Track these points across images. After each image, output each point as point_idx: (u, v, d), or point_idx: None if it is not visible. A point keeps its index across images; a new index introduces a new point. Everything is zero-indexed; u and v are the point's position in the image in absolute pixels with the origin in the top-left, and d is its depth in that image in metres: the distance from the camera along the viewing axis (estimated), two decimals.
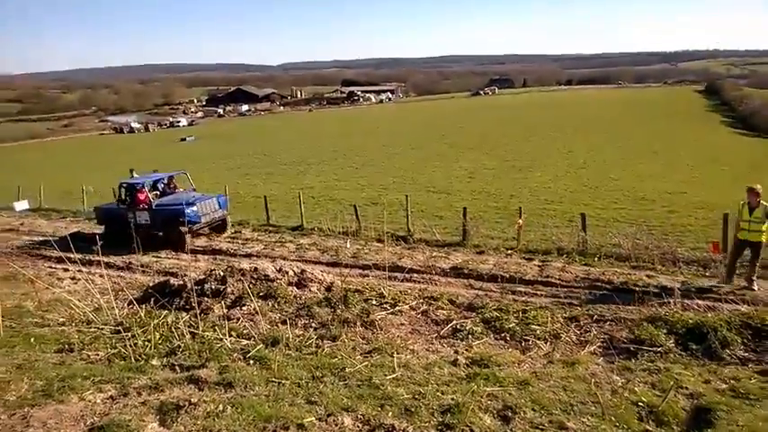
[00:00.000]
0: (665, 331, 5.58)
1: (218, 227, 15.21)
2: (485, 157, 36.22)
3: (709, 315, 5.73)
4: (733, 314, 5.68)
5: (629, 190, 23.39)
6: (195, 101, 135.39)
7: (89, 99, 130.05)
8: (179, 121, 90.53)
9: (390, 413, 3.69)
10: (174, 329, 5.57)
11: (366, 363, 4.66)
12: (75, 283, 9.67)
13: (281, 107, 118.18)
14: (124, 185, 15.03)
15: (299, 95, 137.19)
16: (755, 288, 9.44)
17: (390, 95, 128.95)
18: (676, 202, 20.59)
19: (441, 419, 3.61)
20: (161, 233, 13.96)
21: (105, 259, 10.26)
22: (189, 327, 5.61)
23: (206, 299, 7.49)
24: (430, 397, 3.92)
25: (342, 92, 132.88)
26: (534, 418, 3.61)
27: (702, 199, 20.64)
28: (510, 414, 3.68)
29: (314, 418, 3.60)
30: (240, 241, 16.09)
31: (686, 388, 4.14)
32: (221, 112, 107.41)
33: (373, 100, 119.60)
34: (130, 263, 12.47)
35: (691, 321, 5.58)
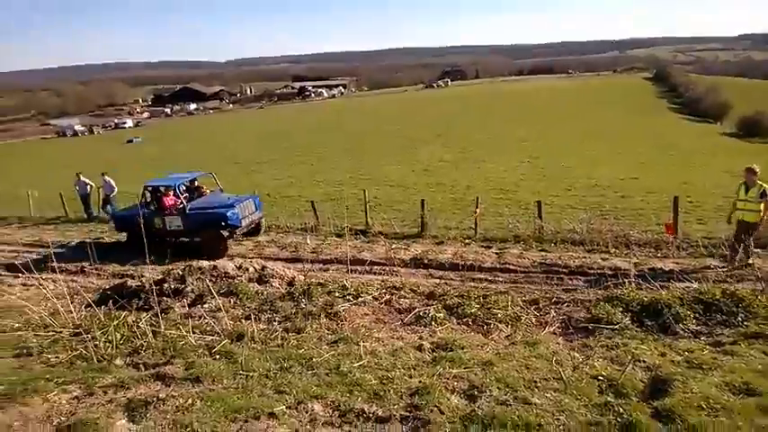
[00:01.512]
0: (621, 309, 5.81)
1: (253, 230, 14.08)
2: (440, 150, 36.61)
3: (663, 293, 5.99)
4: (686, 291, 5.96)
5: (583, 177, 24.11)
6: (141, 101, 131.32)
7: (28, 102, 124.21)
8: (124, 123, 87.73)
9: (360, 398, 3.74)
10: (135, 329, 5.45)
11: (333, 352, 4.69)
12: (27, 290, 9.33)
13: (231, 105, 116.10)
14: (149, 188, 13.72)
15: (248, 92, 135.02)
16: (751, 262, 9.80)
17: (342, 90, 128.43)
18: (628, 187, 21.37)
19: (409, 401, 3.69)
20: (197, 239, 12.91)
21: (57, 264, 9.91)
22: (151, 326, 5.50)
23: (165, 298, 7.36)
24: (397, 381, 4.00)
25: (293, 88, 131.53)
26: (500, 395, 3.73)
27: (653, 183, 21.48)
28: (476, 393, 3.78)
29: (284, 407, 3.61)
30: None
31: (643, 361, 4.34)
32: (168, 112, 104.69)
33: (325, 95, 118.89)
34: (83, 267, 12.09)
35: (645, 299, 5.82)
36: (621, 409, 3.46)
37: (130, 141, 59.83)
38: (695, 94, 69.56)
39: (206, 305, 7.08)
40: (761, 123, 49.04)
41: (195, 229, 12.76)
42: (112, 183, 18.11)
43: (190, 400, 3.69)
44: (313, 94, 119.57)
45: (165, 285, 7.72)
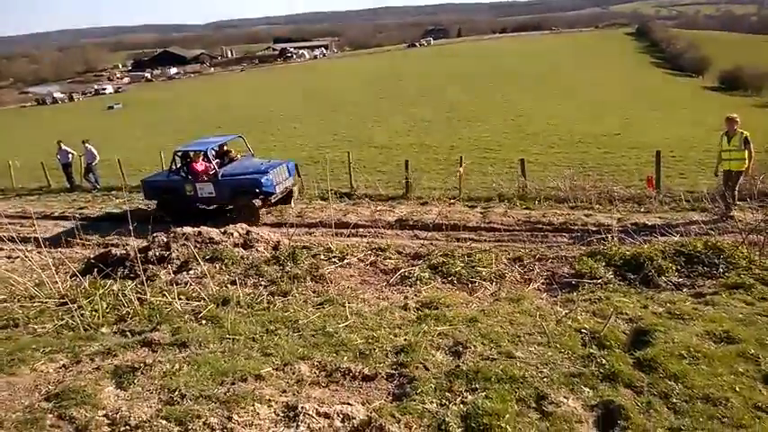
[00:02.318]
0: (603, 264, 5.88)
1: (285, 197, 13.20)
2: (424, 111, 36.26)
3: (646, 246, 6.06)
4: (668, 244, 6.03)
5: (566, 134, 24.10)
6: (120, 66, 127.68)
7: (6, 70, 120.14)
8: (104, 89, 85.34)
9: (346, 357, 3.77)
10: (121, 297, 5.42)
11: (319, 314, 4.71)
12: (12, 262, 9.23)
13: (212, 68, 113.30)
14: (179, 153, 13.05)
15: (229, 55, 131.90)
16: (733, 214, 9.93)
17: (324, 51, 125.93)
18: (611, 143, 21.42)
19: (395, 359, 3.73)
20: (230, 206, 12.46)
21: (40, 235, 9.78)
22: (136, 293, 5.48)
23: (151, 266, 7.31)
24: (383, 340, 4.03)
25: (274, 49, 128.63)
26: (484, 350, 3.78)
27: (635, 139, 21.55)
28: (461, 349, 3.83)
29: (271, 369, 3.64)
30: None
31: (625, 314, 4.41)
32: (149, 77, 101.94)
33: (307, 56, 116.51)
34: (68, 238, 11.96)
35: (628, 253, 5.89)
36: (604, 360, 3.53)
37: (111, 108, 58.49)
38: (676, 50, 69.44)
39: (191, 271, 7.05)
40: (741, 77, 49.32)
41: (227, 197, 12.21)
42: (94, 151, 17.77)
43: (177, 365, 3.70)
44: (294, 56, 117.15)
45: (150, 253, 7.65)
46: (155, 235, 8.24)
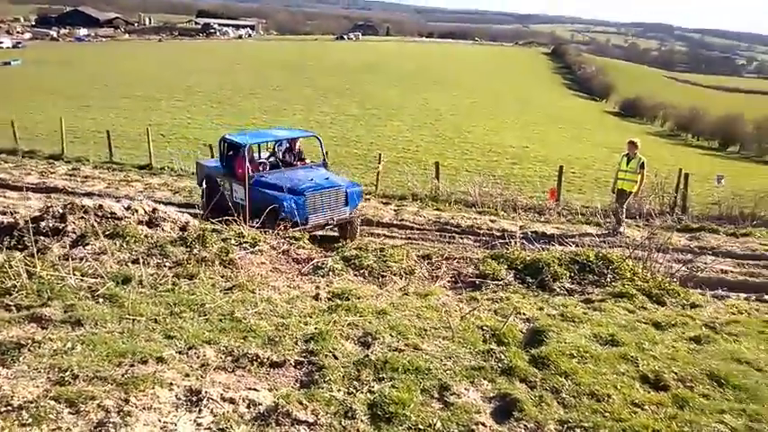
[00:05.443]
0: (506, 267, 6.18)
1: (342, 229, 10.55)
2: (347, 104, 36.27)
3: (544, 253, 6.43)
4: (563, 253, 6.44)
5: (479, 143, 25.09)
6: (23, 20, 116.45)
7: None
8: (1, 42, 77.64)
9: (254, 344, 3.72)
10: (5, 269, 4.99)
11: (227, 299, 4.61)
12: None
13: (127, 35, 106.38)
14: (226, 142, 10.78)
15: (147, 23, 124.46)
16: (622, 230, 10.76)
17: (251, 31, 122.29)
18: (519, 155, 22.57)
19: (304, 347, 3.73)
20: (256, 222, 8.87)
21: None
22: (25, 266, 5.06)
23: (43, 238, 6.76)
24: (293, 328, 4.02)
25: (197, 23, 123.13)
26: (392, 342, 3.87)
27: (542, 153, 22.86)
28: (370, 340, 3.90)
29: (174, 351, 3.51)
30: (79, 179, 14.72)
31: (523, 314, 4.68)
32: (55, 35, 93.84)
33: (231, 35, 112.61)
34: None
35: (528, 258, 6.23)
36: (503, 356, 3.73)
37: (7, 63, 53.31)
38: (586, 74, 74.19)
39: (88, 246, 6.60)
40: (638, 105, 53.71)
41: (254, 209, 9.33)
42: None
43: (69, 344, 3.47)
44: (218, 33, 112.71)
45: (43, 224, 7.07)
46: (48, 205, 7.65)
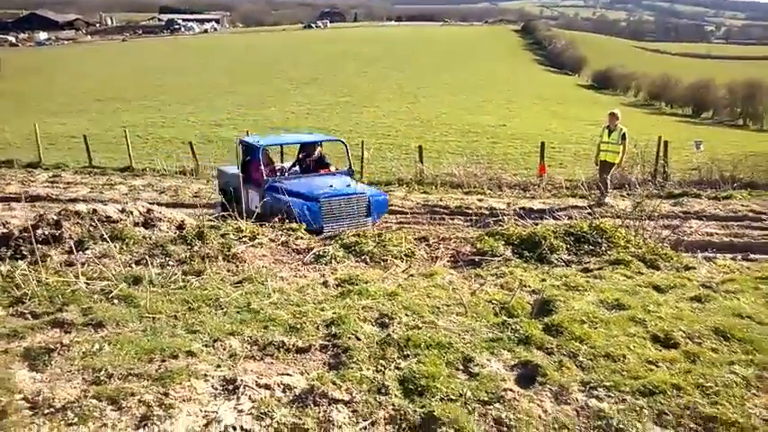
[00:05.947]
0: (503, 243, 6.34)
1: None
2: (321, 93, 36.08)
3: (539, 227, 6.60)
4: (557, 226, 6.62)
5: (457, 124, 25.22)
6: None
7: None
8: None
9: (276, 332, 3.82)
10: (9, 279, 5.00)
11: (240, 291, 4.68)
12: None
13: (89, 36, 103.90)
14: (243, 145, 10.49)
15: (109, 23, 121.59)
16: (607, 201, 11.03)
17: (216, 25, 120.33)
18: (498, 133, 22.77)
19: (326, 332, 3.84)
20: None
21: None
22: (30, 275, 5.06)
23: (40, 246, 6.73)
24: (311, 314, 4.12)
25: (160, 20, 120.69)
26: (409, 321, 4.00)
27: (519, 131, 23.09)
28: (387, 320, 4.02)
29: (201, 345, 3.59)
30: (62, 185, 14.55)
31: (528, 286, 4.84)
32: (14, 41, 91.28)
33: (196, 30, 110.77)
34: None
35: (524, 233, 6.40)
36: (518, 326, 3.88)
37: None
38: (557, 49, 74.70)
39: (88, 251, 6.60)
40: (611, 77, 54.23)
41: (267, 215, 8.61)
42: None
43: (97, 345, 3.52)
44: (183, 28, 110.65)
45: (39, 232, 7.03)
46: (41, 213, 7.59)
